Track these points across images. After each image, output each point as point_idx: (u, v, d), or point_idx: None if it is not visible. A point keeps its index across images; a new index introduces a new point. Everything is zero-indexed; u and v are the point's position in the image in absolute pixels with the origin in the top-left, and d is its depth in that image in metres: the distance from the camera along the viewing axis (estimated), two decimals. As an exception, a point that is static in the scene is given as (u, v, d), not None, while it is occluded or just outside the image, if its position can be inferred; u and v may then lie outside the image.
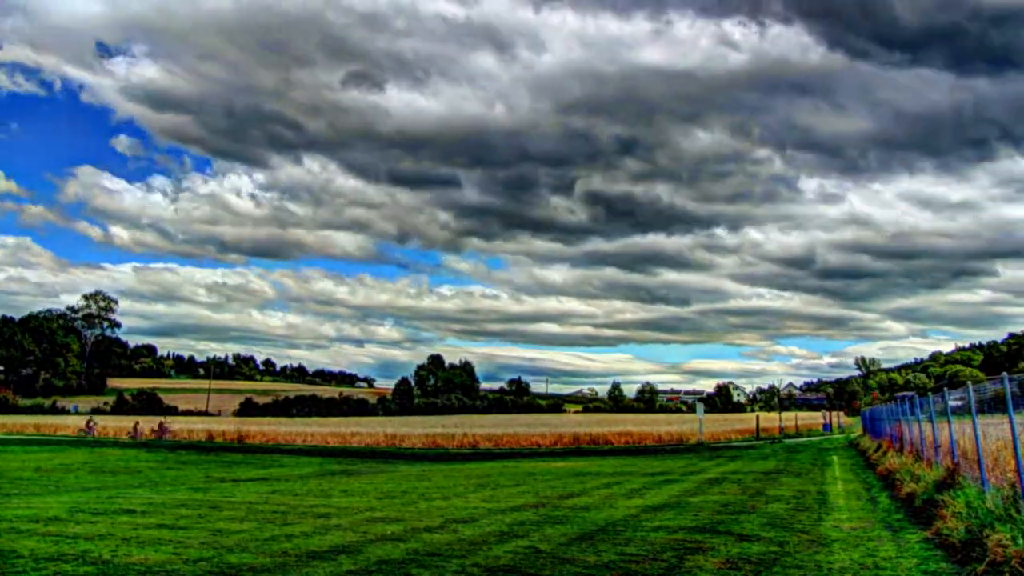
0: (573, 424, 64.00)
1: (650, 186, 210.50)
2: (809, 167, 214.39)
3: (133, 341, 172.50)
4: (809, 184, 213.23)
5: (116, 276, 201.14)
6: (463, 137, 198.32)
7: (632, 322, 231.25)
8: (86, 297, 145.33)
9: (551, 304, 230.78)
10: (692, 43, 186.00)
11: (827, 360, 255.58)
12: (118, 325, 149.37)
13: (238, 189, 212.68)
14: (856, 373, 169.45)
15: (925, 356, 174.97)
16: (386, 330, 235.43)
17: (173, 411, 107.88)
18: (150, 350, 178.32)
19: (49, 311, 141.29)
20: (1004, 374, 8.17)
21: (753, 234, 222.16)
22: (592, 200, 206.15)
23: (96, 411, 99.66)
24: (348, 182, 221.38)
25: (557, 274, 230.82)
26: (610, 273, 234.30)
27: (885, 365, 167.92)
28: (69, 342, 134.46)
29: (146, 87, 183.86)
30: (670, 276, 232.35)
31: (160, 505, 12.70)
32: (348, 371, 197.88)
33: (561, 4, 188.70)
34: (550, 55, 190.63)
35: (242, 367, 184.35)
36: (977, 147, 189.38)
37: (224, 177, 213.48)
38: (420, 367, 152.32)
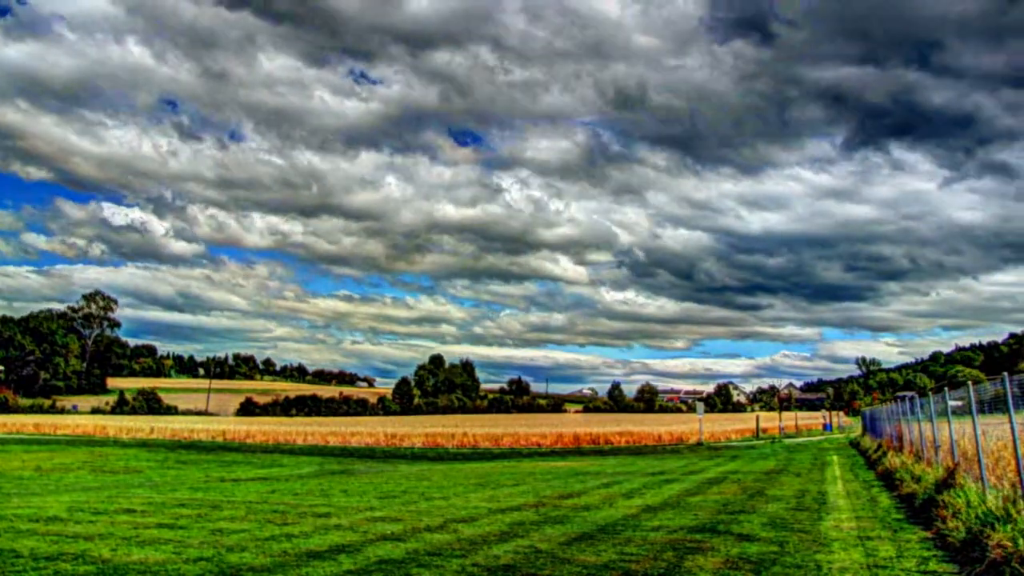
0: (573, 424, 64.00)
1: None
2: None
3: (133, 341, 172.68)
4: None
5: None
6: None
7: (540, 325, 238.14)
8: (85, 297, 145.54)
9: (439, 309, 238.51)
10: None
11: (761, 361, 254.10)
12: (118, 325, 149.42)
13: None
14: (856, 373, 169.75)
15: (926, 356, 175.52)
16: (307, 331, 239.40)
17: (173, 411, 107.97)
18: (150, 350, 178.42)
19: (49, 311, 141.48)
20: (1004, 374, 8.17)
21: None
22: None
23: (96, 411, 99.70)
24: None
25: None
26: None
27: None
28: (69, 342, 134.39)
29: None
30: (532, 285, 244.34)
31: (160, 505, 12.70)
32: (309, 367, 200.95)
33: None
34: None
35: (242, 367, 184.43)
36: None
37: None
38: (420, 367, 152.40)
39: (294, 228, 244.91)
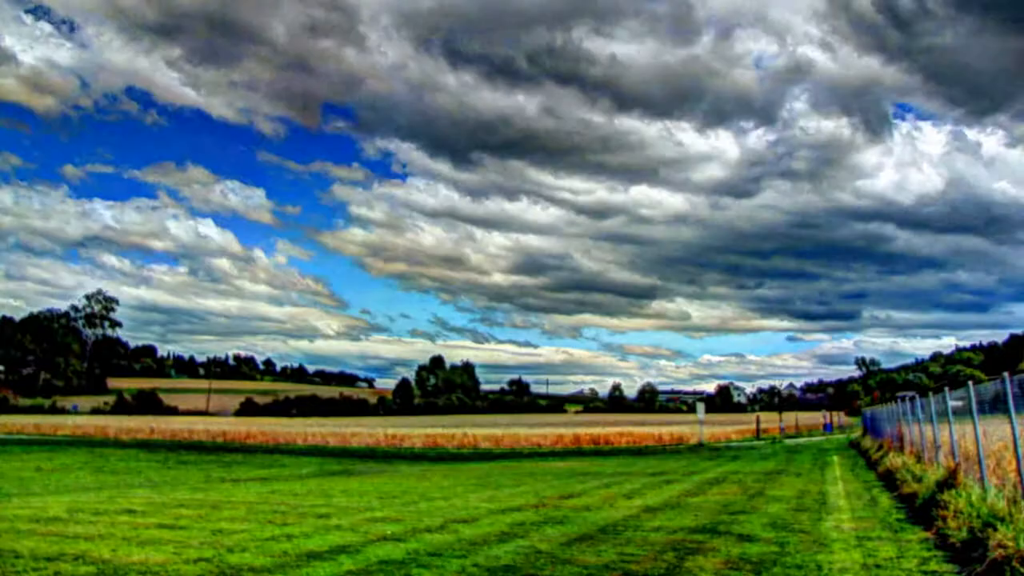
0: (573, 424, 64.01)
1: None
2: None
3: (133, 341, 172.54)
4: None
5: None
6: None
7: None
8: (87, 297, 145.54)
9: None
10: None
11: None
12: (119, 325, 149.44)
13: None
14: (856, 373, 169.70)
15: (926, 356, 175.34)
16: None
17: (173, 411, 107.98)
18: (151, 350, 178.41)
19: (50, 311, 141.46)
20: (1005, 374, 8.16)
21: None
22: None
23: (96, 411, 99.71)
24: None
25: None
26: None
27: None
28: (69, 342, 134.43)
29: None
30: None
31: (160, 505, 12.69)
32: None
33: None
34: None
35: (242, 367, 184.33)
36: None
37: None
38: (421, 367, 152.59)
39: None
